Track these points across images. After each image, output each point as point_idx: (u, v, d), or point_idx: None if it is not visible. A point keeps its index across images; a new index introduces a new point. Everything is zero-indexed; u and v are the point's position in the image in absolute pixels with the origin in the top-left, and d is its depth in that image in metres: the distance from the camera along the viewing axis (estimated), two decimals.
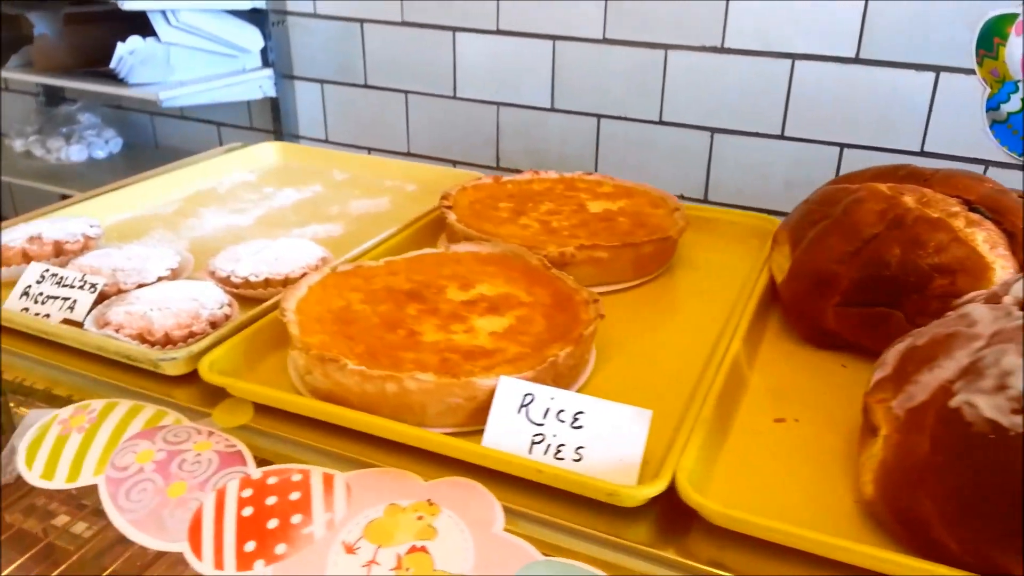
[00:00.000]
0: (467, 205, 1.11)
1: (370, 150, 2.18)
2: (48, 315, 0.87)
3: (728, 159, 1.78)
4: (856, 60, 1.58)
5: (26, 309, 0.88)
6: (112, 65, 1.86)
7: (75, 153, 2.36)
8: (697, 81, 1.72)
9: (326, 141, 2.24)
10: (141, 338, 0.80)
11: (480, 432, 0.68)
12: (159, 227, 1.17)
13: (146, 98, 1.90)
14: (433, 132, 2.08)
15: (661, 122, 1.82)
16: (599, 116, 1.88)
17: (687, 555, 0.59)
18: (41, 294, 0.89)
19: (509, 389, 0.67)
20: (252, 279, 0.92)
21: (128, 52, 1.86)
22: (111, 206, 1.20)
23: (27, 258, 0.97)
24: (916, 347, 0.58)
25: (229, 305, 0.87)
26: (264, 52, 2.12)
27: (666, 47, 1.73)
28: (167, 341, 0.81)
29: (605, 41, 1.79)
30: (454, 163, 2.07)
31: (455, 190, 1.14)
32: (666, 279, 1.02)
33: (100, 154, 2.40)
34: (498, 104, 1.97)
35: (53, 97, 2.54)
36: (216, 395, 0.76)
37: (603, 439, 0.63)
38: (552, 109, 1.92)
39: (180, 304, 0.84)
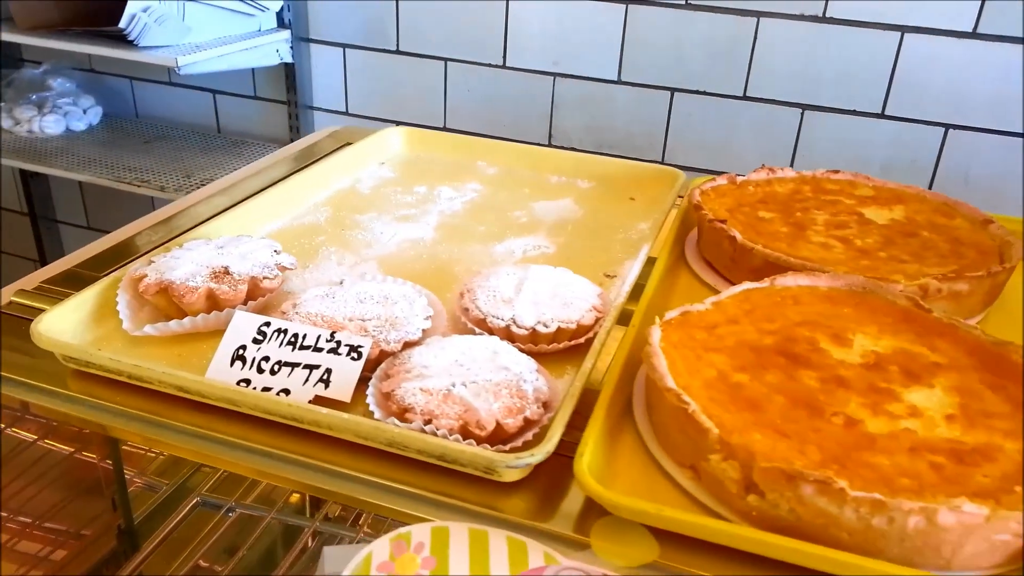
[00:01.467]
0: (726, 216, 0.90)
1: (397, 123, 1.94)
2: (286, 391, 0.62)
3: (819, 139, 1.62)
4: (973, 35, 1.43)
5: (246, 381, 0.63)
6: (123, 25, 1.54)
7: (50, 125, 2.01)
8: (791, 53, 1.54)
9: (346, 113, 1.98)
10: (464, 432, 0.57)
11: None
12: (325, 243, 0.92)
13: (162, 63, 1.59)
14: (475, 105, 1.85)
15: (745, 97, 1.65)
16: (673, 90, 1.69)
17: None
18: (267, 359, 0.64)
19: None
20: (541, 329, 0.69)
21: (142, 9, 1.54)
22: (243, 218, 0.93)
23: (215, 303, 0.72)
24: None
25: (538, 372, 0.65)
26: (280, 12, 1.82)
27: (759, 15, 1.55)
28: (498, 435, 0.58)
29: (688, 6, 1.59)
30: (496, 139, 1.87)
31: (698, 196, 0.93)
32: (1000, 312, 0.83)
33: (79, 126, 2.05)
34: (555, 75, 1.75)
35: (8, 59, 2.16)
36: (547, 505, 0.55)
37: None
38: (619, 81, 1.72)
39: (489, 374, 0.61)
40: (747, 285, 0.74)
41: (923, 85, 1.49)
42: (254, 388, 0.63)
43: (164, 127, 2.09)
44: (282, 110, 2.01)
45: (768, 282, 0.74)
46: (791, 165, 1.69)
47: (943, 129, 1.53)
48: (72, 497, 1.00)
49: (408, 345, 0.66)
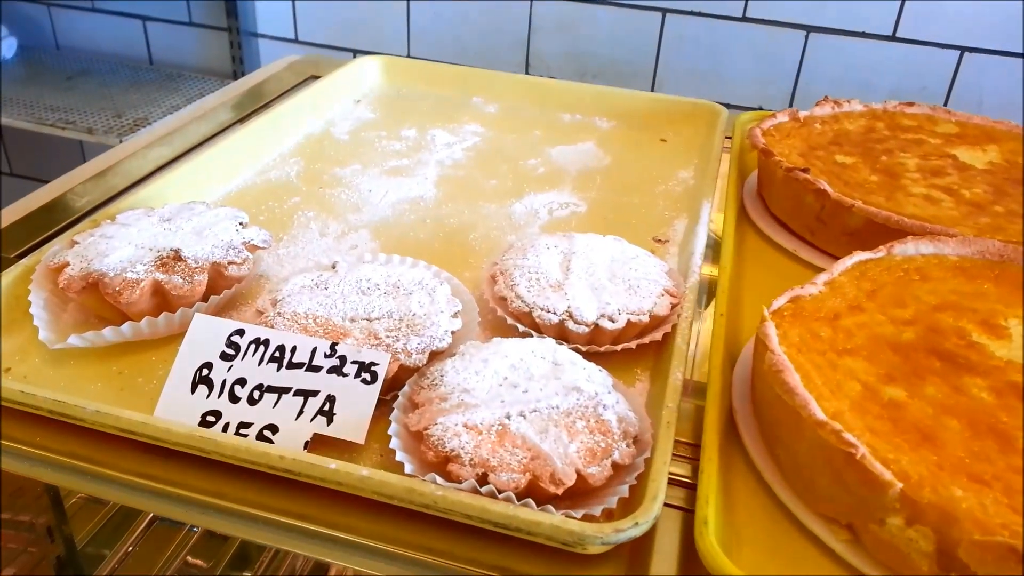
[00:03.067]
0: (800, 162, 0.73)
1: (355, 52, 1.72)
2: (272, 427, 0.45)
3: (823, 63, 1.48)
4: None
5: (215, 415, 0.46)
6: None
7: None
8: None
9: (295, 41, 1.76)
10: (534, 488, 0.41)
11: None
12: (300, 206, 0.73)
13: None
14: (443, 30, 1.65)
15: (744, 18, 1.49)
16: (664, 11, 1.52)
17: None
18: (242, 383, 0.46)
19: None
20: (606, 325, 0.53)
21: None
22: (193, 176, 0.73)
23: (164, 301, 0.53)
24: None
25: (614, 388, 0.48)
26: None
27: None
28: (577, 487, 0.42)
29: None
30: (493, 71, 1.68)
31: (760, 137, 0.76)
32: None
33: None
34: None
35: None
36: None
37: None
38: (603, 2, 1.54)
39: (554, 398, 0.44)
40: (859, 256, 0.58)
41: (937, 5, 1.34)
42: (226, 426, 0.45)
43: (88, 60, 1.82)
44: (222, 38, 1.77)
45: (884, 251, 0.58)
46: (792, 94, 1.55)
47: (958, 52, 1.39)
48: None
49: (435, 356, 0.49)
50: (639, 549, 0.43)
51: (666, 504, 0.44)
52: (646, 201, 0.78)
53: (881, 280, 0.56)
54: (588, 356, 0.53)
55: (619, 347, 0.53)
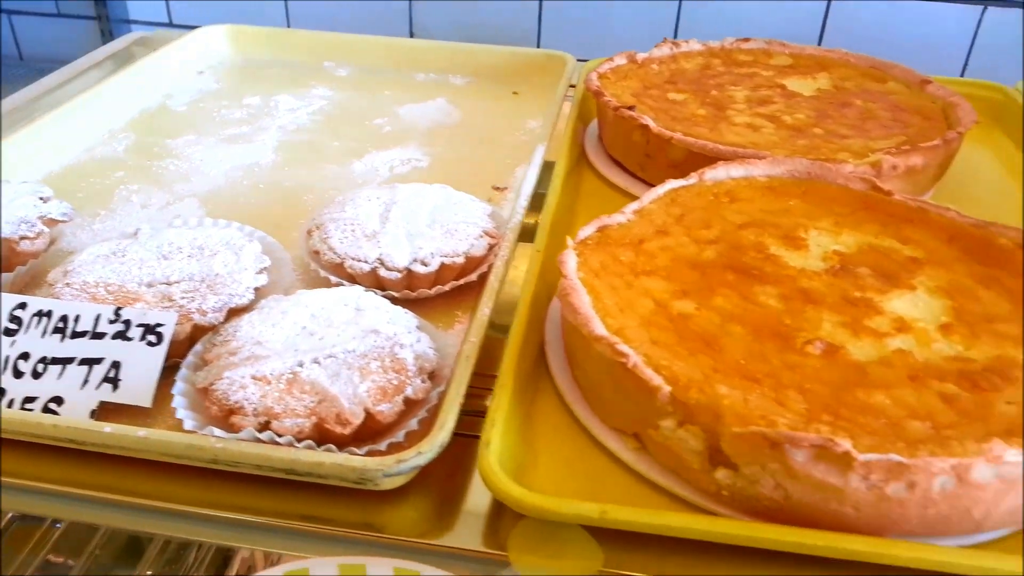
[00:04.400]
0: (632, 101, 0.74)
1: None
2: (58, 399, 0.43)
3: (703, 12, 1.50)
4: None
5: None
6: None
7: None
8: None
9: (170, 25, 1.70)
10: (321, 432, 0.40)
11: None
12: (125, 180, 0.70)
13: None
14: (322, 5, 1.63)
15: None
16: None
17: None
18: (26, 357, 0.44)
19: None
20: (419, 269, 0.52)
21: None
22: (16, 155, 0.69)
23: None
24: None
25: (419, 330, 0.48)
26: None
27: None
28: (371, 427, 0.41)
29: None
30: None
31: (596, 80, 0.76)
32: (943, 186, 0.72)
33: None
34: None
35: None
36: (446, 511, 0.41)
37: None
38: None
39: (351, 343, 0.43)
40: (671, 184, 0.59)
41: None
42: (11, 402, 0.43)
43: None
44: (92, 28, 1.69)
45: (696, 177, 0.60)
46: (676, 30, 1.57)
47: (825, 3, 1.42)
48: None
49: (235, 313, 0.48)
50: (449, 484, 0.44)
51: (475, 436, 0.44)
52: (492, 152, 0.78)
53: (691, 205, 0.57)
54: (409, 302, 0.53)
55: (433, 290, 0.53)
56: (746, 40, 0.88)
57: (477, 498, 0.43)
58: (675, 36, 1.53)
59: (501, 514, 0.42)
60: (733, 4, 1.49)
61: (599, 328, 0.42)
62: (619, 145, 0.72)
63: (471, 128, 0.83)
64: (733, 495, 0.39)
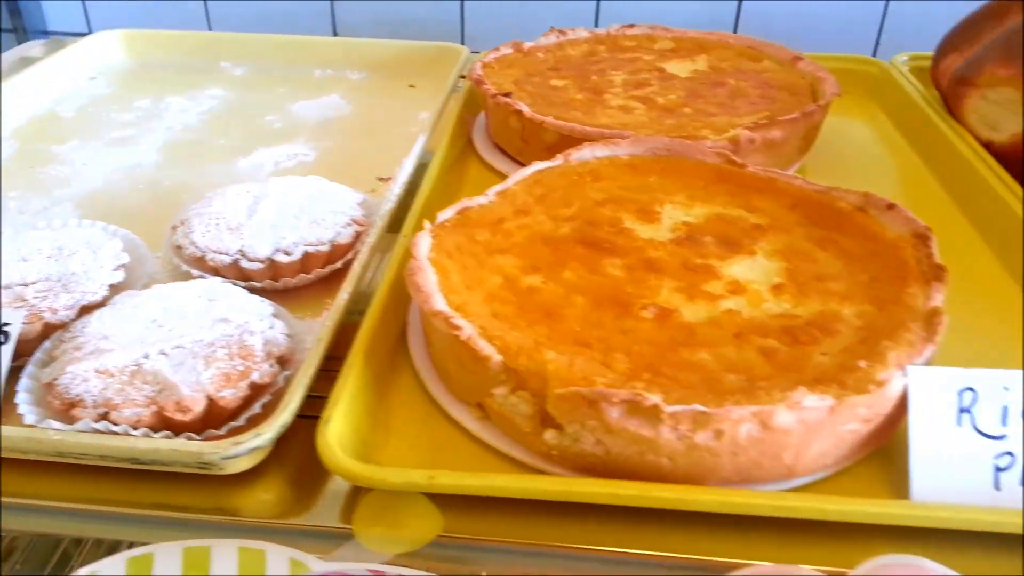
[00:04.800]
0: (514, 89, 0.76)
1: None
2: None
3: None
4: None
5: None
6: None
7: None
8: None
9: (89, 33, 1.67)
10: (161, 420, 0.41)
11: (865, 463, 0.41)
12: (7, 188, 0.70)
13: None
14: (244, 7, 1.60)
15: None
16: None
17: None
18: None
19: (930, 386, 0.40)
20: (282, 259, 0.53)
21: None
22: None
23: None
24: None
25: (275, 317, 0.49)
26: None
27: None
28: (218, 414, 0.42)
29: None
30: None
31: (479, 69, 0.78)
32: (815, 158, 0.75)
33: None
34: None
35: None
36: (305, 493, 0.42)
37: None
38: None
39: (200, 332, 0.44)
40: (537, 166, 0.61)
41: None
42: None
43: None
44: (10, 40, 1.65)
45: (561, 159, 0.61)
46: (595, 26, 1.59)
47: None
48: None
49: (88, 310, 0.48)
50: (306, 465, 0.44)
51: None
52: (381, 144, 0.79)
53: (554, 185, 0.59)
54: (278, 292, 0.53)
55: (296, 279, 0.54)
56: (631, 26, 0.90)
57: (337, 478, 0.44)
58: (596, 15, 1.56)
59: (359, 492, 0.43)
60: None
61: (438, 304, 0.43)
62: (500, 132, 0.74)
63: (362, 122, 0.84)
64: (562, 454, 0.40)
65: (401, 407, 0.46)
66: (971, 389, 0.40)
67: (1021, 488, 0.39)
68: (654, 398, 0.37)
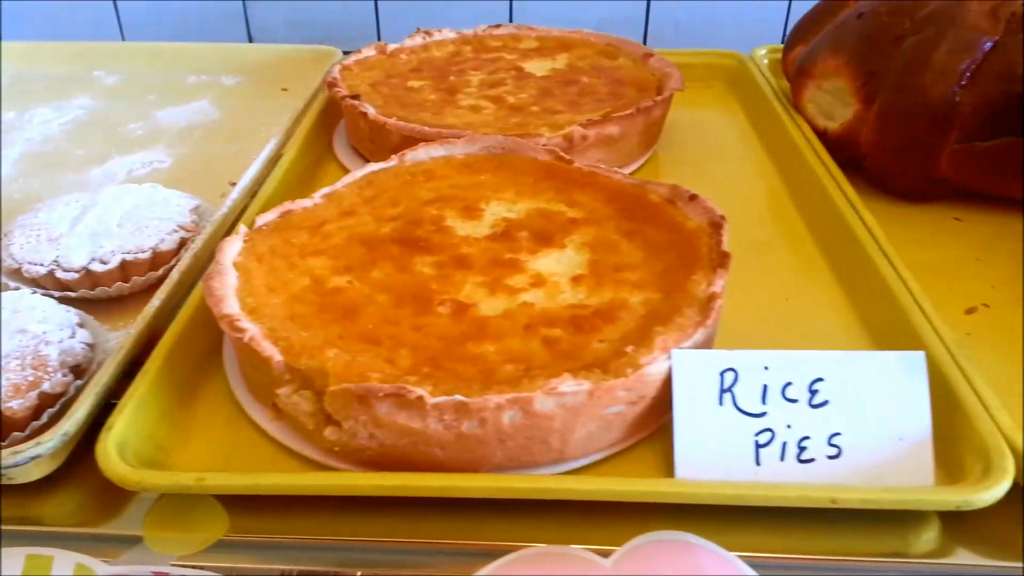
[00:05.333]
0: (370, 91, 0.77)
1: None
2: None
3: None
4: None
5: None
6: None
7: None
8: None
9: None
10: None
11: (638, 444, 0.43)
12: None
13: None
14: (158, 12, 1.58)
15: None
16: None
17: (1000, 554, 0.40)
18: None
19: (693, 368, 0.42)
20: (98, 268, 0.53)
21: None
22: None
23: None
24: None
25: (80, 326, 0.49)
26: None
27: None
28: (11, 424, 0.42)
29: None
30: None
31: (337, 72, 0.78)
32: (660, 151, 0.78)
33: None
34: None
35: None
36: (111, 501, 0.42)
37: (864, 415, 0.41)
38: None
39: None
40: (371, 167, 0.62)
41: None
42: None
43: None
44: None
45: (396, 159, 0.62)
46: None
47: None
48: None
49: None
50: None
51: None
52: (241, 150, 0.78)
53: (386, 185, 0.60)
54: (101, 301, 0.53)
55: (113, 288, 0.54)
56: (497, 26, 0.92)
57: None
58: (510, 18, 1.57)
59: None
60: None
61: (226, 308, 0.44)
62: (353, 134, 0.75)
63: (227, 127, 0.84)
64: (344, 450, 0.41)
65: (207, 410, 0.47)
66: (732, 370, 0.42)
67: (780, 462, 0.41)
68: (419, 391, 0.38)
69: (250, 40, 1.60)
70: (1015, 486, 0.39)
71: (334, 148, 0.78)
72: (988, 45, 0.60)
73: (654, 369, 0.41)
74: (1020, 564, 0.40)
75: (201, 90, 0.92)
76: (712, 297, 0.45)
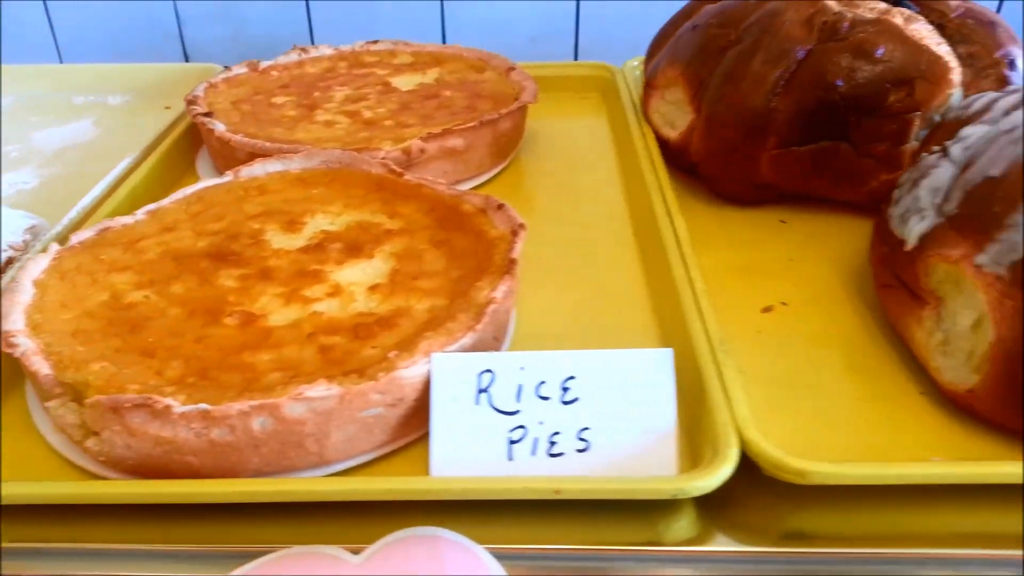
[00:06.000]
0: (230, 108, 0.78)
1: None
2: None
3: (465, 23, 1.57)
4: None
5: None
6: None
7: None
8: None
9: None
10: None
11: (412, 445, 0.45)
12: None
13: None
14: (92, 32, 1.58)
15: None
16: None
17: (753, 540, 0.42)
18: None
19: (451, 371, 0.43)
20: None
21: None
22: None
23: None
24: (993, 179, 0.44)
25: None
26: None
27: None
28: None
29: None
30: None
31: (201, 90, 0.80)
32: (522, 162, 0.80)
33: None
34: None
35: None
36: None
37: (613, 410, 0.43)
38: None
39: None
40: (204, 183, 0.63)
41: None
42: None
43: None
44: None
45: (231, 175, 0.64)
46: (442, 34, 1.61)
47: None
48: None
49: None
50: None
51: None
52: (110, 169, 0.80)
53: (215, 201, 0.62)
54: None
55: None
56: (375, 42, 0.93)
57: None
58: (443, 41, 1.59)
59: None
60: (496, 4, 1.53)
61: (8, 324, 0.45)
62: (214, 154, 0.76)
63: (103, 147, 0.85)
64: (108, 460, 0.42)
65: (8, 423, 0.48)
66: (490, 371, 0.43)
67: (532, 457, 0.42)
68: (167, 401, 0.39)
69: (186, 60, 1.62)
70: (761, 473, 0.41)
71: (196, 166, 0.79)
72: (801, 54, 0.63)
73: (408, 372, 0.42)
74: (774, 548, 0.42)
75: (85, 110, 0.94)
76: (488, 302, 0.47)
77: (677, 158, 0.72)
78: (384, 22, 1.58)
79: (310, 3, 1.54)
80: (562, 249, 0.64)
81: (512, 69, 0.84)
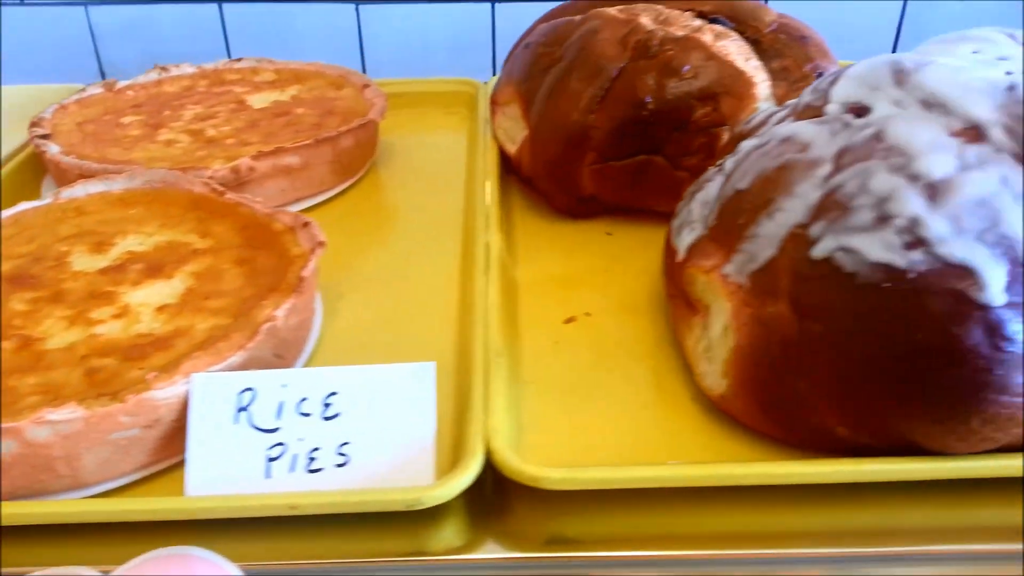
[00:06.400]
0: (74, 129, 0.78)
1: None
2: None
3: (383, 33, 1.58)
4: None
5: None
6: None
7: None
8: None
9: None
10: None
11: (180, 466, 0.45)
12: None
13: None
14: (10, 48, 1.56)
15: None
16: (220, 1, 1.53)
17: (519, 546, 0.43)
18: None
19: (211, 390, 0.44)
20: None
21: None
22: None
23: None
24: (740, 192, 0.46)
25: None
26: None
27: None
28: None
29: None
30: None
31: (50, 112, 0.79)
32: (373, 177, 0.81)
33: None
34: (85, 3, 1.52)
35: None
36: None
37: (373, 424, 0.43)
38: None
39: None
40: (22, 206, 0.63)
41: None
42: None
43: None
44: None
45: (51, 197, 0.64)
46: (362, 67, 1.62)
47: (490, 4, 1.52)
48: None
49: None
50: None
51: None
52: None
53: (30, 223, 0.61)
54: None
55: None
56: (239, 60, 0.94)
57: None
58: (360, 52, 1.59)
59: None
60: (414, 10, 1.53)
61: None
62: (51, 174, 0.76)
63: None
64: None
65: None
66: (251, 389, 0.44)
67: (290, 474, 0.43)
68: None
69: (102, 76, 1.59)
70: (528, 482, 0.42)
71: (41, 190, 0.78)
72: (615, 72, 0.64)
73: (163, 394, 0.43)
74: (537, 553, 0.43)
75: None
76: (266, 320, 0.48)
77: (517, 172, 0.73)
78: (299, 34, 1.58)
79: (224, 17, 1.54)
80: (387, 264, 0.65)
81: (367, 86, 0.85)
